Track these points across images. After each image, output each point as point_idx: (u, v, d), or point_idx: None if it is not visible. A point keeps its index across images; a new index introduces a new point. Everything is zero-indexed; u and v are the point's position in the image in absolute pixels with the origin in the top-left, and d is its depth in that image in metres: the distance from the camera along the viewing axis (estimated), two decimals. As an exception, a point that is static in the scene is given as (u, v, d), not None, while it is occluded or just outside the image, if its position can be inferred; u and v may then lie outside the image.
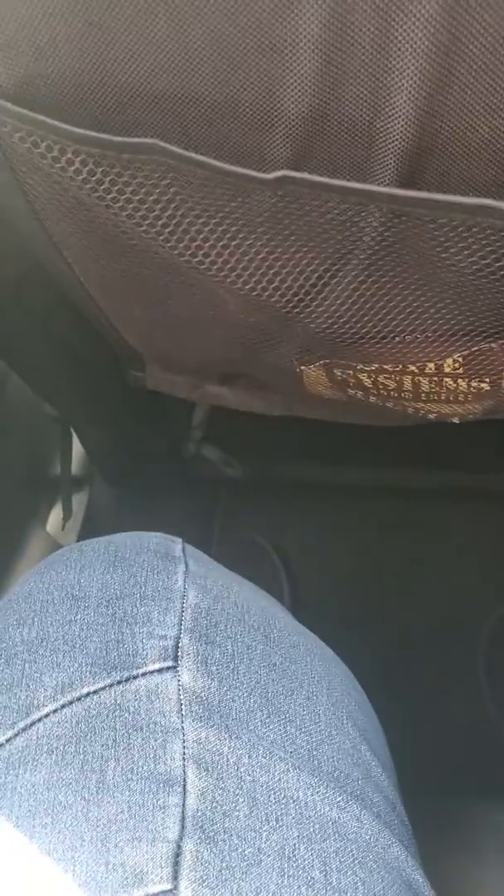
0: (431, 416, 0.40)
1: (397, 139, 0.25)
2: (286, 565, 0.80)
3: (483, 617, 0.76)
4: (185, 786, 0.26)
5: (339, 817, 0.28)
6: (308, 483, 0.79)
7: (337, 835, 0.27)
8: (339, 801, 0.28)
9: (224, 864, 0.25)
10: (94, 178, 0.28)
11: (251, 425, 0.56)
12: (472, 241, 0.27)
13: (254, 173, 0.27)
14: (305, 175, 0.26)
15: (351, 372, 0.37)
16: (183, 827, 0.25)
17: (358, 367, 0.36)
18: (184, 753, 0.27)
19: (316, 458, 0.76)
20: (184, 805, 0.26)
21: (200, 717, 0.28)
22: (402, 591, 0.79)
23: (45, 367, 0.54)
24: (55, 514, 0.78)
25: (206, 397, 0.49)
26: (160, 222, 0.30)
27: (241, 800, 0.27)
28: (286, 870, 0.26)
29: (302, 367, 0.39)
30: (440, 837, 0.40)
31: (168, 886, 0.24)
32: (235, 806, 0.27)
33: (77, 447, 0.73)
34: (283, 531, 0.82)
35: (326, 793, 0.28)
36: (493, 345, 0.33)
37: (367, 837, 0.28)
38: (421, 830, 0.33)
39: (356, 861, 0.27)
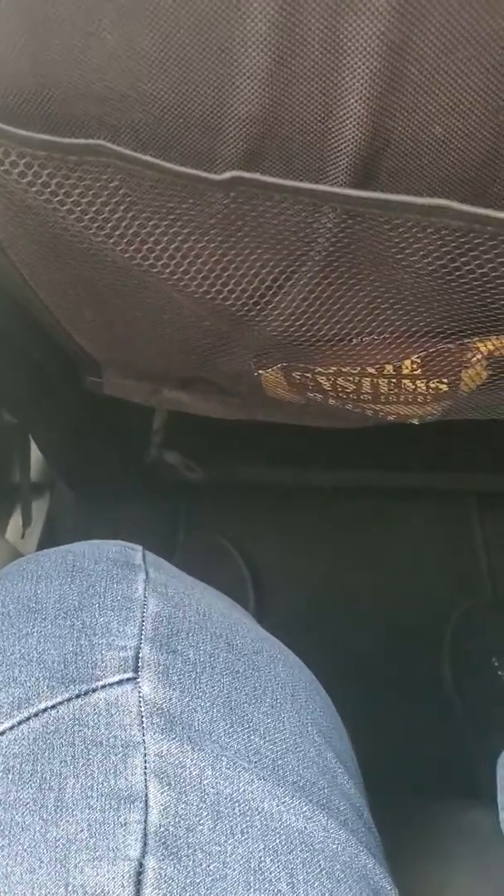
0: (391, 418, 0.40)
1: (350, 139, 0.25)
2: (251, 567, 0.80)
3: (446, 615, 0.77)
4: (146, 801, 0.26)
5: (305, 827, 0.28)
6: (271, 485, 0.79)
7: (303, 846, 0.27)
8: (305, 811, 0.28)
9: (188, 881, 0.24)
10: (40, 181, 0.28)
11: (212, 429, 0.55)
12: (428, 242, 0.27)
13: (204, 174, 0.26)
14: (257, 176, 0.26)
15: (310, 375, 0.37)
16: (145, 844, 0.25)
17: (316, 371, 0.36)
18: (145, 768, 0.27)
19: (278, 460, 0.76)
20: (146, 821, 0.25)
21: (162, 729, 0.28)
22: (366, 591, 0.79)
23: (-1, 372, 0.53)
24: (15, 522, 0.77)
25: (164, 402, 0.49)
26: (110, 225, 0.29)
27: (204, 813, 0.26)
28: (252, 883, 0.25)
29: (260, 371, 0.38)
30: (408, 841, 0.40)
31: None
32: (199, 820, 0.26)
33: (36, 453, 0.72)
34: (247, 533, 0.82)
35: (292, 803, 0.28)
36: (450, 345, 0.32)
37: (335, 847, 0.28)
38: (388, 834, 0.33)
39: (323, 871, 0.27)
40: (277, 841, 0.27)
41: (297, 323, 0.32)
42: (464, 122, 0.24)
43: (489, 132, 0.24)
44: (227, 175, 0.26)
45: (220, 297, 0.31)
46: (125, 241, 0.30)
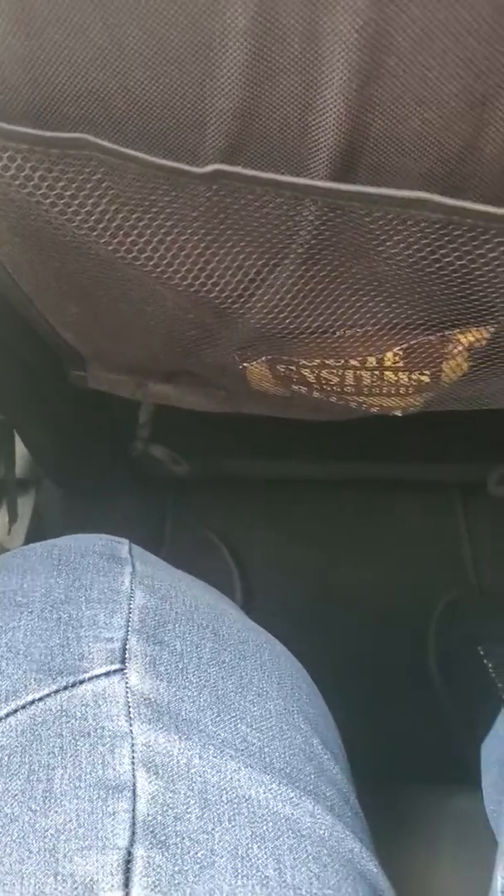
0: (374, 410, 0.40)
1: (329, 133, 0.25)
2: (237, 560, 0.80)
3: (432, 604, 0.77)
4: (134, 791, 0.26)
5: (292, 814, 0.28)
6: (257, 478, 0.80)
7: (290, 832, 0.27)
8: (291, 798, 0.28)
9: (176, 869, 0.25)
10: (23, 174, 0.28)
11: (198, 422, 0.55)
12: (408, 234, 0.27)
13: (186, 167, 0.26)
14: (238, 169, 0.26)
15: (294, 367, 0.37)
16: (133, 833, 0.25)
17: (300, 363, 0.36)
18: (133, 758, 0.27)
19: (264, 453, 0.76)
20: (134, 810, 0.26)
21: (149, 719, 0.28)
22: (352, 581, 0.79)
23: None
24: (0, 518, 0.76)
25: (149, 395, 0.49)
26: (93, 218, 0.29)
27: (192, 802, 0.27)
28: (240, 870, 0.25)
29: (245, 364, 0.38)
30: (395, 825, 0.41)
31: (119, 894, 0.24)
32: (187, 808, 0.26)
33: (21, 450, 0.71)
34: (234, 526, 0.82)
35: (279, 790, 0.28)
36: (431, 337, 0.33)
37: (321, 832, 0.28)
38: (374, 819, 0.33)
39: (310, 857, 0.27)
40: (265, 828, 0.27)
41: (281, 315, 0.33)
42: (441, 115, 0.24)
43: (467, 125, 0.24)
44: (210, 168, 0.26)
45: (204, 289, 0.32)
46: (108, 233, 0.30)
